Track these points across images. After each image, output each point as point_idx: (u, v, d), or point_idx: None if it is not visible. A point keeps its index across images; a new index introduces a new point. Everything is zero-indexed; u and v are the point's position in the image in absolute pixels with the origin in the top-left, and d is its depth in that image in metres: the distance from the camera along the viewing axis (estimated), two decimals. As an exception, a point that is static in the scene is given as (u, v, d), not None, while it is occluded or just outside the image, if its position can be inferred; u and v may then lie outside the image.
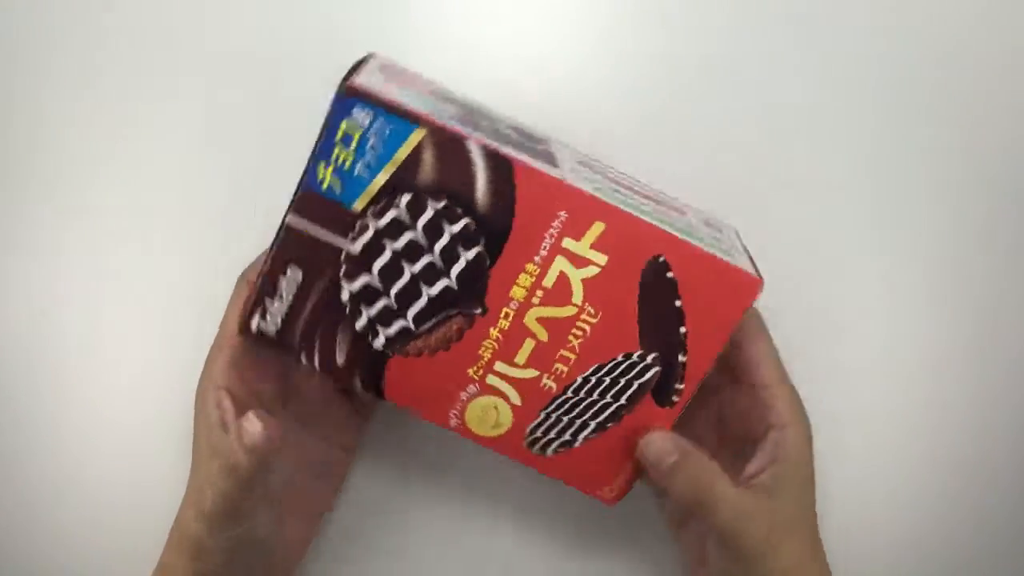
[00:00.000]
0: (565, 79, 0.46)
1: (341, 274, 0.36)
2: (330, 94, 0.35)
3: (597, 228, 0.36)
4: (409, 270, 0.36)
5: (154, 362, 0.47)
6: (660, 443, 0.37)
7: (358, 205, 0.36)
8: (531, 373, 0.37)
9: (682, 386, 0.37)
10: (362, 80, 0.35)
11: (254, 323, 0.38)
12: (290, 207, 0.36)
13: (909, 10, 0.46)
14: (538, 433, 0.38)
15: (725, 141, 0.46)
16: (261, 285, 0.37)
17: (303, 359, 0.38)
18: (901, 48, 0.46)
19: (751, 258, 0.39)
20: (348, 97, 0.35)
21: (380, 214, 0.36)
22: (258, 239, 0.43)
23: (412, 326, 0.37)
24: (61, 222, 0.46)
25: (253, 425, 0.36)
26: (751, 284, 0.37)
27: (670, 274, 0.36)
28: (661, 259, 0.36)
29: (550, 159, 0.37)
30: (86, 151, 0.46)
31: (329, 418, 0.43)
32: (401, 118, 0.35)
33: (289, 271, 0.37)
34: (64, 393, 0.47)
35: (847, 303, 0.47)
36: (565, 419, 0.38)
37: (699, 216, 0.41)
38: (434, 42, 0.46)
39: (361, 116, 0.35)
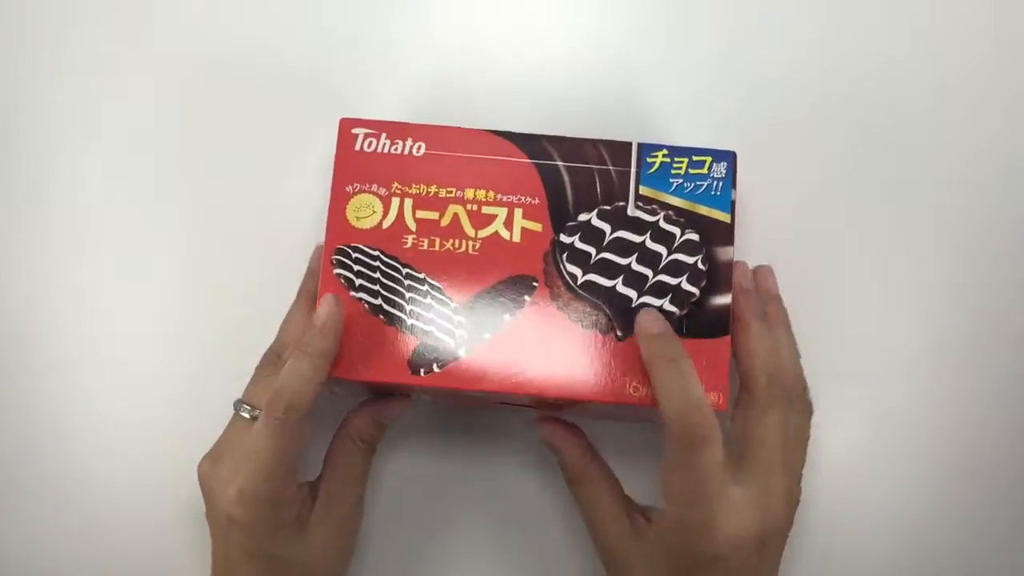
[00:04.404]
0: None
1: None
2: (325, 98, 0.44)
3: None
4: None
5: (154, 362, 0.46)
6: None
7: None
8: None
9: None
10: None
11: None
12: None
13: (905, 9, 0.47)
14: None
15: (725, 142, 0.45)
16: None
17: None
18: (900, 44, 0.46)
19: None
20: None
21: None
22: (258, 237, 0.46)
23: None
24: (62, 222, 0.46)
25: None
26: None
27: None
28: None
29: None
30: (87, 150, 0.46)
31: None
32: None
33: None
34: (64, 393, 0.46)
35: (847, 303, 0.46)
36: None
37: None
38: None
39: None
